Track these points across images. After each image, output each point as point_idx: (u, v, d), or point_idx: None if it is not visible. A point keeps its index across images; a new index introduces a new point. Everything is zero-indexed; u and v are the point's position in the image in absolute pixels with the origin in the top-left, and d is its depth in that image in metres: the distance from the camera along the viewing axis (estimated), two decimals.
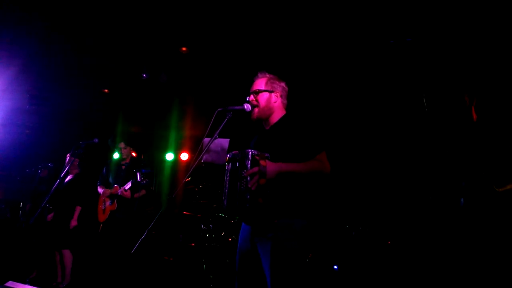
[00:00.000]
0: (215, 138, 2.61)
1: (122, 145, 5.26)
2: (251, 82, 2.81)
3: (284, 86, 2.80)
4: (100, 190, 5.31)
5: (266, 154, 2.39)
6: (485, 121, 3.15)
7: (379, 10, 4.16)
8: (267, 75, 2.78)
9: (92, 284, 5.59)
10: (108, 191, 5.16)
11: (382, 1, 4.01)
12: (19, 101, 6.80)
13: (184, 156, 8.80)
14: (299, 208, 2.48)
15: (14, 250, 6.38)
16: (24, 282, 5.22)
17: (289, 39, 4.85)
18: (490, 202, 2.98)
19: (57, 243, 5.52)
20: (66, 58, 5.64)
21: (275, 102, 2.72)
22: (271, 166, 2.34)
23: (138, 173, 4.74)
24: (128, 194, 4.94)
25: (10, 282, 3.44)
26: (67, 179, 5.81)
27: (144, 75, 5.75)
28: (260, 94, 2.70)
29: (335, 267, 5.26)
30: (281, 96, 2.75)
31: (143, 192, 5.07)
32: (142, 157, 5.67)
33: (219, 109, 2.60)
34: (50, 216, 5.68)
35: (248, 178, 2.30)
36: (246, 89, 2.80)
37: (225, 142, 6.27)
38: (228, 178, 2.45)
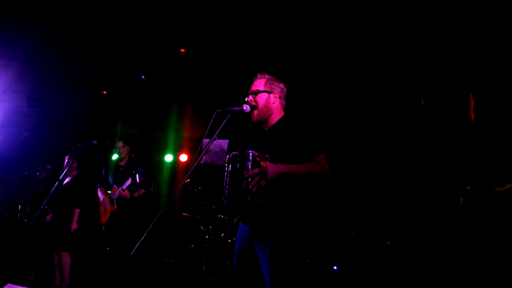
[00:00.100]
0: (214, 139, 2.61)
1: (120, 144, 5.25)
2: (250, 82, 2.82)
3: (283, 87, 2.79)
4: (99, 192, 5.31)
5: (267, 155, 2.39)
6: (485, 122, 3.16)
7: (377, 11, 4.16)
8: (266, 76, 2.78)
9: (91, 286, 5.58)
10: (107, 196, 5.17)
11: (380, 1, 4.02)
12: (17, 103, 6.80)
13: (183, 158, 8.80)
14: (298, 209, 2.48)
15: (13, 252, 6.37)
16: (23, 285, 5.21)
17: (288, 40, 4.86)
18: (490, 201, 2.98)
19: (55, 245, 5.51)
20: (64, 60, 5.63)
21: (273, 103, 2.71)
22: (271, 168, 2.34)
23: (137, 174, 4.73)
24: (126, 194, 4.94)
25: (8, 285, 3.43)
26: (66, 182, 5.80)
27: (142, 76, 5.75)
28: (259, 94, 2.70)
29: (335, 267, 5.26)
30: (279, 97, 2.75)
31: (142, 191, 5.06)
32: (142, 157, 5.65)
33: (218, 110, 2.60)
34: (48, 217, 5.67)
35: (249, 179, 2.30)
36: (245, 90, 2.80)
37: (224, 143, 6.29)
38: (228, 179, 2.46)
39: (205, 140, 2.71)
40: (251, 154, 2.34)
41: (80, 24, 4.65)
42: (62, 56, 5.49)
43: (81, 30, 4.77)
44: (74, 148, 4.46)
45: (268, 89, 2.71)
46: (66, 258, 5.48)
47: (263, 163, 2.32)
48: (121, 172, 5.20)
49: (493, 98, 3.28)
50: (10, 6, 4.27)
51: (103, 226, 5.12)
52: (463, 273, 3.24)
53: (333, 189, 6.03)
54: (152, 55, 5.44)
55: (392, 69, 5.14)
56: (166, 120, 7.98)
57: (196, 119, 7.79)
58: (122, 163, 5.28)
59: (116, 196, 4.98)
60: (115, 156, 5.35)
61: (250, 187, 2.28)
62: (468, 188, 3.14)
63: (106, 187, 5.30)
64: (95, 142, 4.23)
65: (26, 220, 6.23)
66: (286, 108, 2.82)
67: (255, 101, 2.69)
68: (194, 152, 8.52)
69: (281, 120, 2.72)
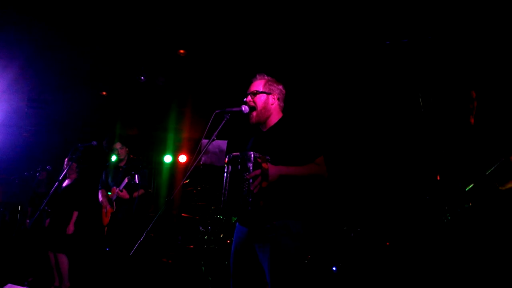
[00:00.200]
0: (213, 140, 2.61)
1: (118, 145, 5.25)
2: (249, 83, 2.82)
3: (282, 89, 2.80)
4: (100, 194, 5.31)
5: (268, 157, 2.39)
6: (485, 126, 3.17)
7: (374, 12, 4.18)
8: (265, 77, 2.79)
9: (91, 287, 5.59)
10: (107, 197, 5.18)
11: (378, 2, 4.03)
12: (17, 103, 6.81)
13: (182, 158, 8.81)
14: (298, 210, 2.49)
15: (13, 253, 6.37)
16: (23, 285, 5.21)
17: (286, 41, 4.87)
18: (492, 199, 2.99)
19: (52, 246, 5.51)
20: (64, 61, 5.64)
21: (272, 104, 2.72)
22: (273, 169, 2.35)
23: (136, 175, 4.74)
24: (124, 194, 4.94)
25: (9, 285, 3.43)
26: (65, 184, 5.79)
27: (142, 77, 5.76)
28: (257, 95, 2.70)
29: (334, 268, 5.27)
30: (278, 98, 2.75)
31: (141, 191, 5.07)
32: (141, 158, 5.66)
33: (217, 111, 2.60)
34: (48, 222, 5.67)
35: (251, 181, 2.30)
36: (244, 91, 2.80)
37: (223, 143, 6.29)
38: (228, 180, 2.45)
39: (204, 141, 2.72)
40: (252, 155, 2.34)
41: (80, 25, 4.65)
42: (62, 56, 5.50)
43: (81, 31, 4.78)
44: (73, 149, 4.47)
45: (267, 90, 2.71)
46: (63, 259, 5.47)
47: (264, 165, 2.32)
48: (120, 173, 5.21)
49: (493, 101, 3.29)
50: (10, 6, 4.28)
51: (106, 228, 5.13)
52: (463, 273, 3.24)
53: (332, 190, 6.03)
54: (151, 56, 5.45)
55: (390, 70, 5.15)
56: (165, 121, 8.00)
57: (195, 120, 7.80)
58: (122, 164, 5.29)
59: (114, 197, 4.99)
60: (114, 158, 5.36)
61: (251, 188, 2.28)
62: (466, 189, 3.15)
63: (107, 189, 5.31)
64: (95, 143, 4.23)
65: (28, 221, 6.24)
66: (284, 109, 2.82)
67: (254, 102, 2.70)
68: (193, 153, 8.52)
69: (280, 121, 2.72)
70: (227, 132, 2.91)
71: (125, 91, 6.59)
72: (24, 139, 8.56)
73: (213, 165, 6.49)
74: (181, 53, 5.31)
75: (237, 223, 2.68)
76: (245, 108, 2.67)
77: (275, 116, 2.74)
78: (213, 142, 2.92)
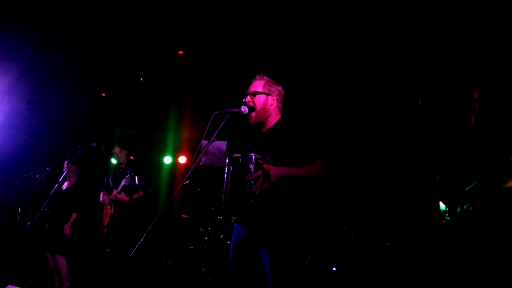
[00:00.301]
0: (213, 141, 2.62)
1: (117, 149, 5.26)
2: (249, 83, 2.83)
3: (281, 90, 2.80)
4: (102, 195, 5.32)
5: (268, 158, 2.40)
6: (485, 127, 3.17)
7: (373, 12, 4.18)
8: (265, 78, 2.80)
9: None
10: (107, 199, 5.18)
11: (377, 2, 4.04)
12: (17, 104, 6.80)
13: (182, 159, 8.80)
14: (297, 210, 2.50)
15: (13, 254, 6.37)
16: (23, 287, 5.21)
17: (285, 41, 4.87)
18: (495, 198, 2.99)
19: (50, 248, 5.51)
20: (63, 62, 5.65)
21: (271, 106, 2.72)
22: (274, 170, 2.36)
23: (136, 176, 4.74)
24: (122, 196, 4.95)
25: (9, 286, 3.43)
26: (65, 186, 5.79)
27: (141, 78, 5.76)
28: (257, 96, 2.71)
29: (334, 268, 5.27)
30: (277, 99, 2.76)
31: (141, 193, 5.07)
32: (140, 159, 5.66)
33: (216, 112, 2.60)
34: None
35: (252, 182, 2.30)
36: (243, 91, 2.81)
37: (222, 144, 6.29)
38: (229, 181, 2.45)
39: (204, 142, 2.72)
40: (254, 156, 2.34)
41: (80, 25, 4.66)
42: (62, 57, 5.50)
43: (81, 31, 4.79)
44: (73, 151, 4.47)
45: (266, 91, 2.72)
46: (61, 260, 5.48)
47: (265, 166, 2.32)
48: (120, 175, 5.22)
49: (493, 101, 3.29)
50: (10, 6, 4.29)
51: (105, 229, 5.13)
52: (463, 274, 3.24)
53: (332, 191, 6.04)
54: (150, 57, 5.45)
55: (389, 70, 5.16)
56: (165, 122, 7.99)
57: (195, 121, 7.80)
58: (122, 165, 5.30)
59: (113, 199, 5.00)
60: (114, 161, 5.36)
61: (253, 189, 2.28)
62: (466, 189, 3.15)
63: (108, 191, 5.32)
64: (94, 144, 4.23)
65: (28, 223, 6.24)
66: (283, 110, 2.83)
67: (253, 102, 2.70)
68: (193, 153, 8.52)
69: (278, 122, 2.73)
70: (227, 132, 2.91)
71: (125, 92, 6.60)
72: (24, 140, 8.56)
73: (213, 166, 6.50)
74: (180, 54, 5.31)
75: (235, 224, 2.67)
76: (244, 109, 2.67)
77: (274, 117, 2.74)
78: (213, 143, 2.91)
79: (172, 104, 7.17)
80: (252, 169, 2.32)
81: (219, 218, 5.72)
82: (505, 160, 2.94)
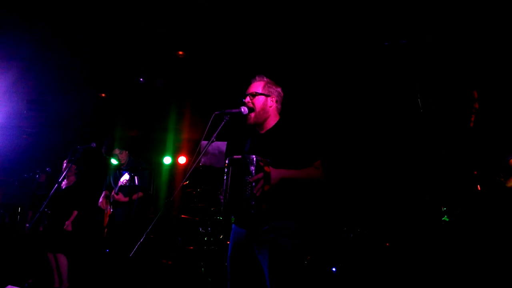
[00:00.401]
0: (213, 141, 2.62)
1: (117, 151, 5.27)
2: (248, 83, 2.83)
3: (280, 91, 2.81)
4: (101, 198, 5.32)
5: (268, 160, 2.40)
6: (485, 128, 3.18)
7: (373, 12, 4.18)
8: (265, 79, 2.80)
9: None
10: (107, 199, 5.19)
11: (377, 3, 4.04)
12: (17, 105, 6.81)
13: (182, 160, 8.80)
14: (297, 211, 2.51)
15: (13, 255, 6.37)
16: (23, 287, 5.21)
17: (285, 42, 4.88)
18: (498, 197, 2.99)
19: (51, 246, 5.51)
20: (63, 62, 5.64)
21: (270, 107, 2.73)
22: (274, 173, 2.37)
23: (136, 177, 4.75)
24: (119, 197, 4.96)
25: (9, 286, 3.43)
26: (65, 186, 5.79)
27: (141, 79, 5.77)
28: (256, 97, 2.71)
29: (334, 269, 5.27)
30: (276, 101, 2.76)
31: (140, 194, 5.08)
32: (140, 159, 5.66)
33: (216, 112, 2.60)
34: (46, 223, 5.67)
35: (253, 184, 2.30)
36: (243, 92, 2.81)
37: (222, 145, 6.30)
38: (229, 183, 2.44)
39: (203, 142, 2.72)
40: (255, 158, 2.34)
41: (80, 25, 4.66)
42: (62, 57, 5.50)
43: (81, 31, 4.79)
44: (73, 151, 4.47)
45: (266, 92, 2.73)
46: (62, 259, 5.48)
47: (266, 168, 2.33)
48: (121, 175, 5.23)
49: (493, 102, 3.29)
50: (10, 6, 4.29)
51: (105, 229, 5.14)
52: (463, 274, 3.24)
53: (331, 191, 6.04)
54: (150, 57, 5.45)
55: (389, 71, 5.16)
56: (164, 122, 7.99)
57: (195, 121, 7.80)
58: (124, 166, 5.31)
59: (112, 199, 5.01)
60: (114, 162, 5.36)
61: (254, 191, 2.28)
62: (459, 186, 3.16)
63: (111, 191, 5.33)
64: (94, 144, 4.23)
65: (28, 225, 6.24)
66: (282, 111, 2.83)
67: (253, 103, 2.71)
68: (192, 154, 8.52)
69: (277, 124, 2.74)
70: (226, 133, 2.91)
71: (125, 92, 6.60)
72: (24, 141, 8.56)
73: (213, 166, 6.50)
74: (180, 54, 5.31)
75: (233, 225, 2.67)
76: (244, 110, 2.67)
77: (273, 119, 2.75)
78: (213, 144, 2.91)
79: (172, 104, 7.16)
80: (253, 171, 2.32)
81: (219, 218, 5.72)
82: (506, 163, 2.94)
